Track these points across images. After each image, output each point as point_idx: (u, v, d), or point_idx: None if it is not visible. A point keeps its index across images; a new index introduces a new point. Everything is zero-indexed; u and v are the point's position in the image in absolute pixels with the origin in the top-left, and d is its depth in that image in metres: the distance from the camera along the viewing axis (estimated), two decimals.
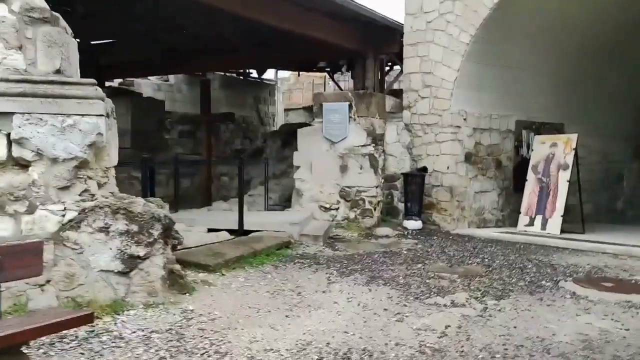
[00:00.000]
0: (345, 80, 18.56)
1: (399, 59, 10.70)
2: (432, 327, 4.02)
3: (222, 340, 3.67)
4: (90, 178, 4.34)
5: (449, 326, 4.05)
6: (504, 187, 9.93)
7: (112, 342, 3.54)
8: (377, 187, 8.92)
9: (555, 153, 8.93)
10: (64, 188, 4.12)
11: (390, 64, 13.90)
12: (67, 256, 4.08)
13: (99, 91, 4.28)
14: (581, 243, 7.71)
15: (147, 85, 15.57)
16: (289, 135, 12.39)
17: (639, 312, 4.50)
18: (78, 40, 4.91)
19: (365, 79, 10.63)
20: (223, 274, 5.45)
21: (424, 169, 9.29)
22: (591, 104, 10.48)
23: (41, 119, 4.04)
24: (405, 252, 7.10)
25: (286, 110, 22.61)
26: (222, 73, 18.39)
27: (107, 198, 4.43)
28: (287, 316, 4.25)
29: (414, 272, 5.86)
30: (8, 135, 4.00)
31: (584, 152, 9.83)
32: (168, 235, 4.45)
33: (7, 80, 4.01)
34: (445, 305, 4.61)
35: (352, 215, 8.78)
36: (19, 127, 3.99)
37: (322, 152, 9.00)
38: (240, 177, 7.62)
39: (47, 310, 3.51)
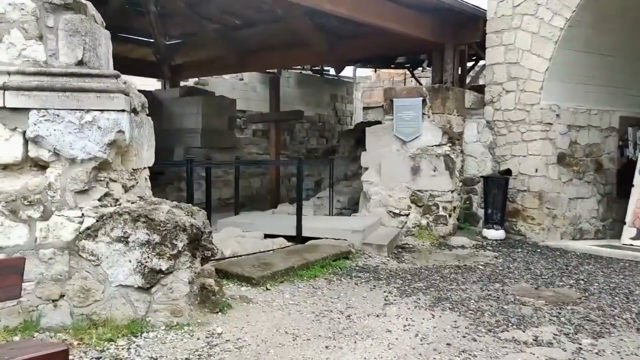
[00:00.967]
0: (427, 77, 17.55)
1: (482, 49, 9.69)
2: None
3: None
4: (114, 181, 3.90)
5: None
6: (605, 193, 8.66)
7: None
8: (452, 191, 8.01)
9: None
10: (82, 192, 3.70)
11: (475, 58, 12.81)
12: (82, 268, 3.66)
13: (121, 83, 3.82)
14: None
15: (221, 85, 15.44)
16: (363, 134, 11.71)
17: None
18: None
19: (444, 73, 9.68)
20: (267, 289, 4.87)
21: (508, 172, 8.25)
22: None
23: (58, 115, 3.64)
24: (481, 267, 6.18)
25: (365, 108, 21.87)
26: (298, 71, 18.03)
27: (133, 203, 3.98)
28: (327, 347, 3.57)
29: (490, 294, 4.97)
30: (24, 133, 3.64)
31: None
32: (197, 247, 3.92)
33: (24, 74, 3.65)
34: (525, 343, 3.73)
35: (424, 222, 7.94)
36: (35, 124, 3.61)
37: (392, 152, 8.23)
38: (299, 179, 7.03)
39: (24, 343, 3.07)
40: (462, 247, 7.44)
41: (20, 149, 3.66)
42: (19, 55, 3.72)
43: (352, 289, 5.06)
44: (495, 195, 8.12)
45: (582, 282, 5.57)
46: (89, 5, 4.14)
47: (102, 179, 3.81)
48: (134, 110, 4.02)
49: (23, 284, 2.75)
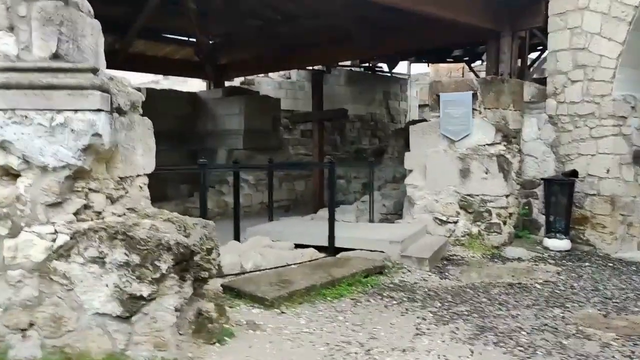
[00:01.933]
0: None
1: (544, 35, 8.70)
2: None
3: None
4: (95, 191, 3.40)
5: None
6: None
7: None
8: (507, 195, 7.11)
9: None
10: (55, 205, 3.22)
11: (541, 48, 11.71)
12: (54, 293, 3.18)
13: (98, 79, 3.31)
14: None
15: (267, 84, 15.03)
16: None
17: None
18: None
19: (499, 64, 8.74)
20: (282, 312, 4.26)
21: (574, 173, 7.26)
22: None
23: (26, 117, 3.18)
24: (539, 285, 5.31)
25: (422, 106, 20.91)
26: (348, 68, 17.37)
27: (120, 216, 3.48)
28: None
29: (546, 324, 4.14)
30: None
31: None
32: (187, 268, 3.36)
33: None
34: None
35: (474, 230, 7.10)
36: (1, 127, 3.16)
37: (439, 152, 7.43)
38: (331, 183, 6.38)
39: None
40: (519, 259, 6.55)
41: None
42: None
43: (380, 312, 4.36)
44: (559, 200, 7.15)
45: None
46: None
47: (80, 189, 3.32)
48: (118, 110, 3.51)
49: None
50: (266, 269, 5.44)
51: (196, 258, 3.55)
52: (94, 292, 3.17)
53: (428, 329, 3.97)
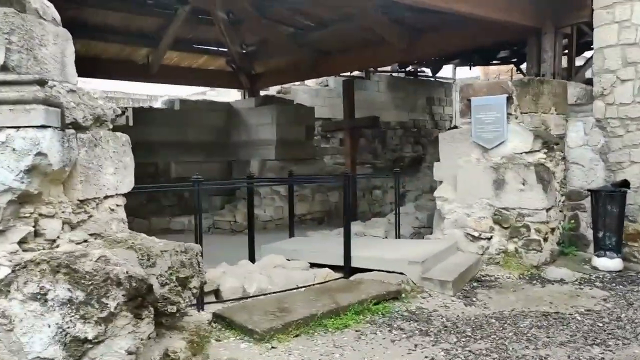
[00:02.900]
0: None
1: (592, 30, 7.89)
2: None
3: None
4: (47, 216, 3.06)
5: None
6: None
7: None
8: (548, 209, 6.37)
9: None
10: None
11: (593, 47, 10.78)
12: None
13: (43, 91, 2.97)
14: None
15: (303, 92, 14.68)
16: None
17: None
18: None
19: (541, 63, 7.99)
20: (273, 347, 3.80)
21: (625, 183, 6.45)
22: None
23: None
24: (579, 315, 4.60)
25: None
26: (389, 73, 16.80)
27: (79, 244, 3.13)
28: None
29: None
30: None
31: None
32: (143, 305, 2.95)
33: None
34: None
35: (510, 247, 6.40)
36: None
37: (471, 162, 6.78)
38: (346, 196, 5.87)
39: None
40: (561, 281, 5.82)
41: None
42: None
43: (385, 349, 3.82)
44: (609, 214, 6.35)
45: None
46: None
47: (27, 215, 2.98)
48: (75, 126, 3.17)
49: None
50: (272, 292, 5.01)
51: (163, 290, 3.16)
52: (35, 333, 2.80)
53: None
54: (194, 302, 3.60)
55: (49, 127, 2.92)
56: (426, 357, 3.67)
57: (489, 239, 6.50)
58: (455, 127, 7.71)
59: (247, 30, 12.10)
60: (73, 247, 3.04)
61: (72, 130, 3.12)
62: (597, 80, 6.92)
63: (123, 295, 2.82)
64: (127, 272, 2.83)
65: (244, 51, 12.94)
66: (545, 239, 6.37)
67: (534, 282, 5.82)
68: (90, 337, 2.76)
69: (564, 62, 9.23)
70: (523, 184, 6.35)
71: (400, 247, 6.20)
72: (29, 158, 2.86)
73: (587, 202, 6.84)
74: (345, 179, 5.79)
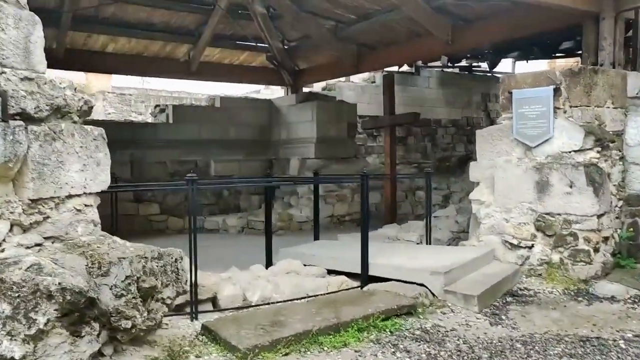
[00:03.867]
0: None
1: None
2: None
3: None
4: None
5: None
6: None
7: None
8: (600, 215, 5.60)
9: None
10: None
11: None
12: None
13: None
14: None
15: (349, 88, 14.18)
16: None
17: None
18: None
19: (599, 52, 7.14)
20: None
21: None
22: None
23: None
24: (625, 342, 3.89)
25: None
26: (440, 69, 16.01)
27: (29, 248, 2.85)
28: None
29: None
30: None
31: None
32: (80, 321, 2.61)
33: None
34: None
35: (555, 257, 5.67)
36: None
37: (511, 161, 6.09)
38: (363, 197, 5.36)
39: None
40: (612, 298, 5.07)
41: None
42: None
43: None
44: None
45: None
46: None
47: None
48: (25, 117, 2.88)
49: None
50: (275, 302, 4.61)
51: (117, 303, 2.82)
52: None
53: None
54: (167, 312, 3.24)
55: None
56: None
57: (530, 247, 5.80)
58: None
59: (287, 25, 11.78)
60: (19, 252, 2.75)
61: (20, 122, 2.83)
62: None
63: (55, 310, 2.49)
64: (59, 283, 2.50)
65: (285, 47, 12.64)
66: (596, 249, 5.61)
67: (579, 298, 5.10)
68: (17, 356, 2.44)
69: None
70: (570, 187, 5.61)
71: (427, 255, 5.63)
72: None
73: None
74: (362, 179, 5.28)
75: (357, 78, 14.71)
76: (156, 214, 10.47)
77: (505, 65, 17.08)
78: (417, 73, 15.42)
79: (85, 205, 3.32)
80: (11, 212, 2.88)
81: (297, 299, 4.63)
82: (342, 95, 13.88)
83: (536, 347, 3.79)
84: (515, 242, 5.86)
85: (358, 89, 14.56)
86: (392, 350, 3.71)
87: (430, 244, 6.62)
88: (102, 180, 3.42)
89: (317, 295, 4.76)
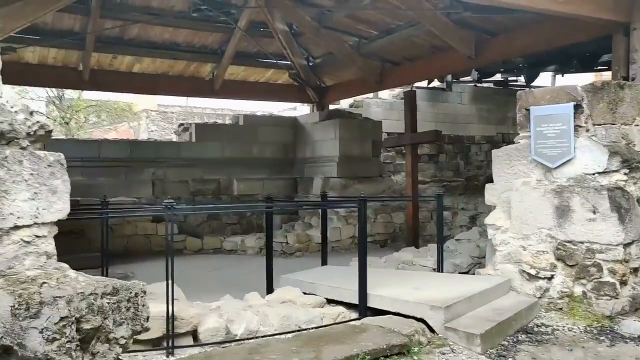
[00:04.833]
0: None
1: None
2: None
3: None
4: None
5: None
6: None
7: None
8: (627, 244, 5.06)
9: None
10: None
11: None
12: None
13: None
14: None
15: (376, 105, 13.90)
16: None
17: None
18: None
19: (630, 64, 6.61)
20: None
21: None
22: None
23: None
24: None
25: None
26: (474, 84, 15.53)
27: None
28: None
29: None
30: None
31: None
32: None
33: None
34: None
35: (577, 290, 5.16)
36: None
37: (529, 183, 5.63)
38: (361, 222, 5.04)
39: None
40: (638, 338, 4.53)
41: None
42: None
43: None
44: None
45: None
46: None
47: None
48: None
49: None
50: (260, 336, 4.32)
51: (49, 348, 2.59)
52: None
53: None
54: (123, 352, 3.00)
55: None
56: None
57: (550, 278, 5.31)
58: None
59: (309, 42, 11.63)
60: None
61: None
62: None
63: None
64: None
65: (310, 64, 12.48)
66: (623, 282, 5.06)
67: (602, 337, 4.58)
68: None
69: None
70: (593, 212, 5.11)
71: (434, 285, 5.22)
72: None
73: None
74: (359, 203, 4.96)
75: (385, 94, 14.43)
76: (174, 234, 10.37)
77: (544, 79, 16.33)
78: (448, 89, 14.99)
79: (37, 236, 3.13)
80: None
81: (284, 333, 4.33)
82: (370, 112, 13.59)
83: None
84: (533, 272, 5.38)
85: (386, 105, 14.26)
86: None
87: (442, 271, 6.19)
88: (59, 208, 3.22)
89: (308, 329, 4.45)
